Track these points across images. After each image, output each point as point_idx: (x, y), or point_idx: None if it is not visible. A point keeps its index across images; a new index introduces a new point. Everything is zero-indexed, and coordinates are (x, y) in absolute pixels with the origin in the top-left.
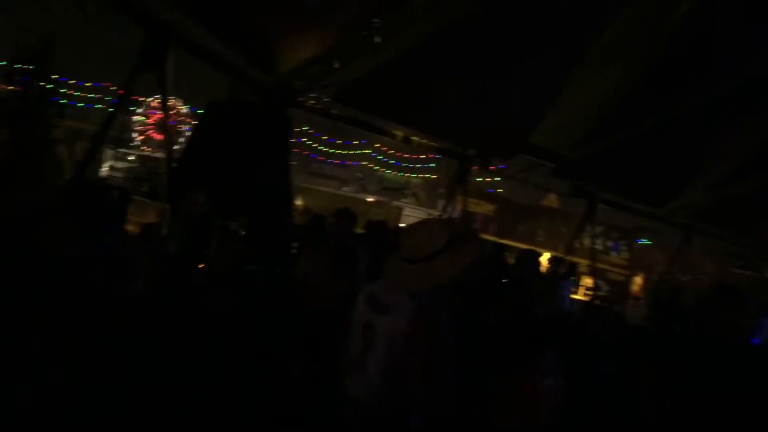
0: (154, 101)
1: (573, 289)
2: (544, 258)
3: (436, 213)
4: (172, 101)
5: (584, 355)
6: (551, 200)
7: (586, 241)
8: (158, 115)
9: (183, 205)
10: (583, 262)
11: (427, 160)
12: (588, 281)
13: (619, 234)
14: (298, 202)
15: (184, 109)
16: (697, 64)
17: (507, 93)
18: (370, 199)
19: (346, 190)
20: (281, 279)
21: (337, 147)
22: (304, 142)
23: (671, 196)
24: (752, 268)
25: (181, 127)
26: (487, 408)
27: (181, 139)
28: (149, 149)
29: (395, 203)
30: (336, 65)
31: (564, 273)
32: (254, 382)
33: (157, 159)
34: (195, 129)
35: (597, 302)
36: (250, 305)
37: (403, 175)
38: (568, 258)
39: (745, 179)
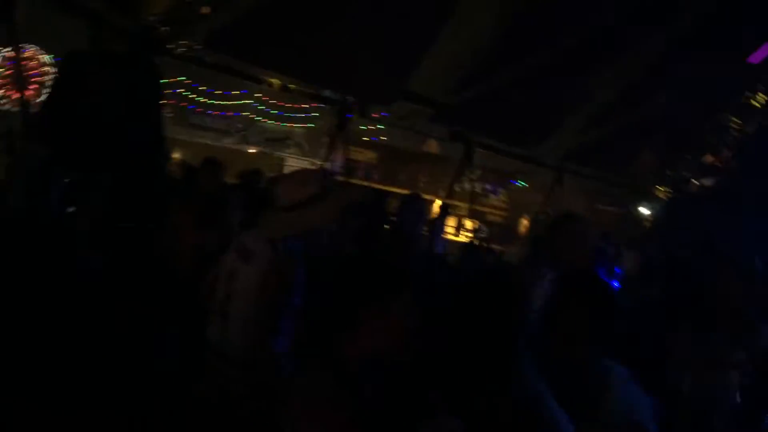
0: (9, 52)
1: (449, 231)
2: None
3: (319, 163)
4: (30, 51)
5: (452, 293)
6: (432, 146)
7: (466, 185)
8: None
9: (23, 156)
10: (463, 206)
11: (310, 110)
12: (468, 224)
13: (497, 177)
14: (176, 155)
15: (46, 59)
16: (561, 11)
17: (382, 39)
18: (252, 151)
19: (227, 142)
20: (152, 235)
21: (216, 97)
22: (181, 93)
23: (543, 139)
24: (618, 204)
25: (42, 79)
26: (342, 346)
27: (43, 91)
28: (7, 103)
29: (278, 154)
30: (205, 10)
31: (438, 215)
32: (125, 345)
33: (14, 113)
34: (55, 80)
35: (477, 243)
36: (117, 264)
37: (285, 125)
38: (449, 202)
39: (610, 121)
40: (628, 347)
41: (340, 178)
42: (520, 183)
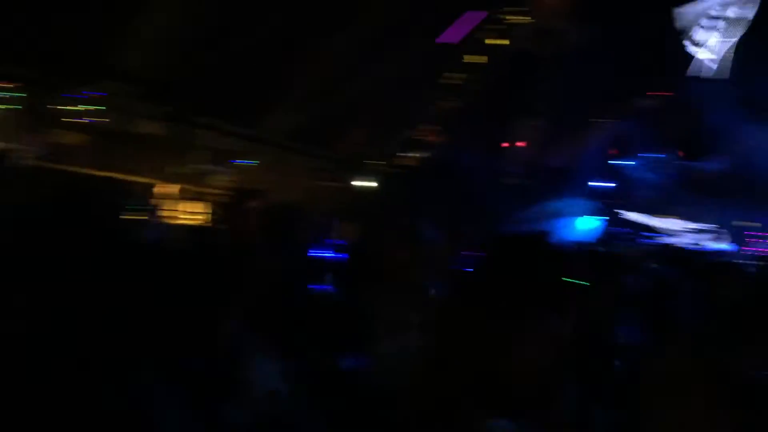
0: None
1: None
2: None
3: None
4: None
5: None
6: (150, 127)
7: (189, 167)
8: None
9: None
10: (188, 188)
11: (7, 89)
12: (192, 206)
13: (222, 157)
14: None
15: None
16: None
17: (79, 10)
18: None
19: None
20: None
21: None
22: None
23: (262, 117)
24: (337, 179)
25: None
26: None
27: None
28: None
29: None
30: None
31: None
32: None
33: None
34: None
35: (203, 225)
36: None
37: None
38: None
39: (325, 100)
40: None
41: (35, 163)
42: (247, 162)
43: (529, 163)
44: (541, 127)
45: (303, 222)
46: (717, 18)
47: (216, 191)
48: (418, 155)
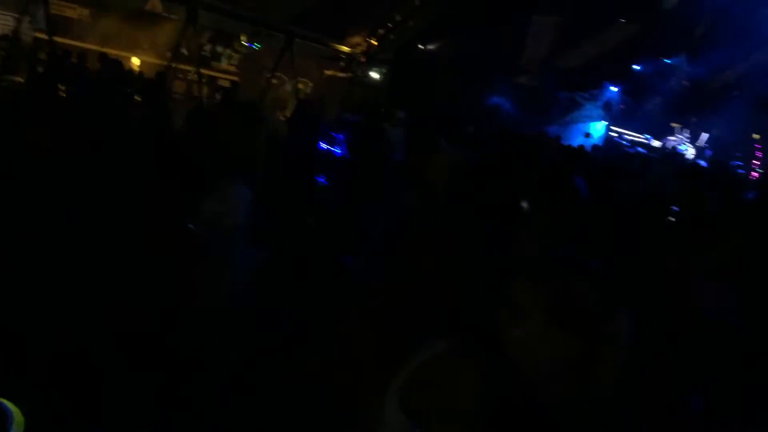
0: None
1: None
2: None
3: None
4: None
5: None
6: (154, 5)
7: (194, 47)
8: None
9: None
10: (191, 69)
11: None
12: (199, 89)
13: (226, 39)
14: None
15: None
16: None
17: None
18: None
19: None
20: None
21: None
22: None
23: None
24: (346, 70)
25: None
26: None
27: None
28: None
29: None
30: None
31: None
32: None
33: None
34: None
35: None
36: None
37: None
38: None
39: None
40: None
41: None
42: (255, 45)
43: (543, 63)
44: (558, 26)
45: (321, 112)
46: None
47: (220, 75)
48: (433, 46)
